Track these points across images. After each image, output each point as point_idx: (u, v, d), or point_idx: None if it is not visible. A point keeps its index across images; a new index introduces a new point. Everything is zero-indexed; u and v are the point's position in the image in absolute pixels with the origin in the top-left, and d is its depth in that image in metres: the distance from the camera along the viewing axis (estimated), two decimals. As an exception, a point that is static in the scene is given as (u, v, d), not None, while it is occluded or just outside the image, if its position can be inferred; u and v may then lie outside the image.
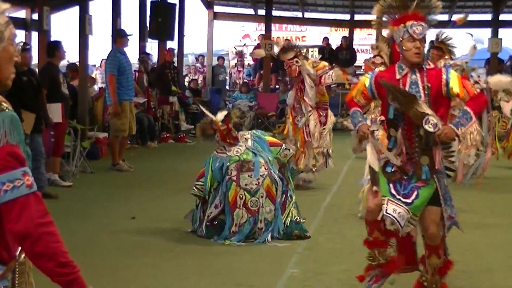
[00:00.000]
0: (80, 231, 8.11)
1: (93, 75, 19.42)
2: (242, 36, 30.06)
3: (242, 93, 21.66)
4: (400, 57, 5.49)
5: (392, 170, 5.44)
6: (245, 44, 27.22)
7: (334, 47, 23.45)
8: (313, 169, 10.77)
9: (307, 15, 25.70)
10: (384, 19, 5.63)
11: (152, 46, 21.75)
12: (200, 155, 13.85)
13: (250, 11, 24.56)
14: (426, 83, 5.41)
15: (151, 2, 18.55)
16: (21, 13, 15.35)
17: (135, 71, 16.16)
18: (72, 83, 13.54)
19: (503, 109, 11.72)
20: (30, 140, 9.50)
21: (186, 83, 22.00)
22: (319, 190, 10.84)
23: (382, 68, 8.57)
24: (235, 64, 25.45)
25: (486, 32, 22.42)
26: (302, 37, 28.98)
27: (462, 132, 5.59)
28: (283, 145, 8.25)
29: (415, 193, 5.39)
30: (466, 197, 9.75)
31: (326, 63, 10.99)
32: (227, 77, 24.79)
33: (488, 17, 23.20)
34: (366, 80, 5.63)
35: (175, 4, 19.61)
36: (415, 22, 5.40)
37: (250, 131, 8.27)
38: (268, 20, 22.45)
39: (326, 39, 23.82)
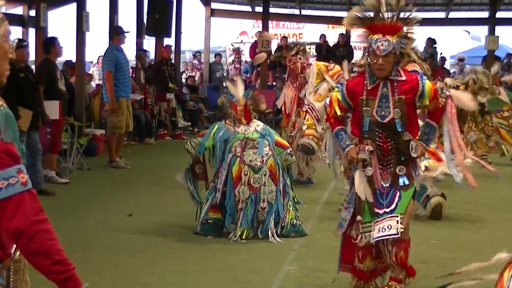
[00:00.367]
0: (77, 228, 8.10)
1: (90, 72, 19.39)
2: (239, 33, 30.05)
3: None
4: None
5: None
6: (242, 41, 27.19)
7: (331, 44, 23.42)
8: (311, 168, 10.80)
9: (304, 12, 25.68)
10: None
11: (149, 43, 21.74)
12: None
13: (247, 8, 24.55)
14: (398, 96, 5.33)
15: (148, -2, 18.54)
16: (18, 10, 15.30)
17: (132, 67, 16.14)
18: (69, 80, 13.53)
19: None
20: (27, 137, 9.50)
21: (183, 80, 21.98)
22: (317, 187, 10.83)
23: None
24: (232, 61, 25.43)
25: (483, 30, 22.44)
26: (299, 34, 28.96)
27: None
28: (289, 149, 8.15)
29: (397, 195, 5.39)
30: (463, 193, 9.76)
31: (339, 67, 10.60)
32: (224, 74, 24.77)
33: (485, 14, 23.20)
34: (337, 94, 5.55)
35: (172, 1, 19.58)
36: (381, 37, 5.28)
37: (263, 124, 8.16)
38: (265, 17, 22.44)
39: (323, 36, 23.80)
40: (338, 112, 5.54)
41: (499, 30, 22.25)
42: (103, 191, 10.58)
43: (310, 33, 28.84)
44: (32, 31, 14.49)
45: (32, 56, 11.91)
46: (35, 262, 2.69)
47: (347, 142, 5.54)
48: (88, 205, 9.49)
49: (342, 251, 5.72)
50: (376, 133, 5.39)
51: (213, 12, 23.45)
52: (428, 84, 5.43)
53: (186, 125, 18.75)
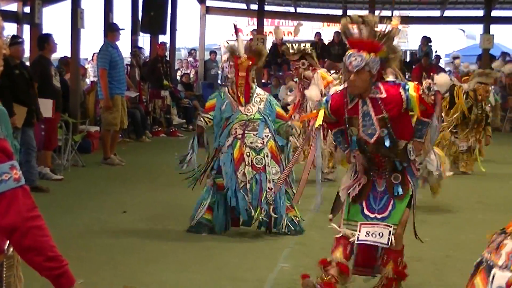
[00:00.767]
0: (71, 224, 8.08)
1: (85, 67, 19.35)
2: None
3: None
4: None
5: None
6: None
7: (326, 42, 23.43)
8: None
9: (300, 10, 25.70)
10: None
11: (144, 40, 21.69)
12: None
13: (243, 6, 24.53)
14: (384, 114, 5.16)
15: (144, -4, 18.53)
16: (13, 6, 15.27)
17: (127, 65, 16.12)
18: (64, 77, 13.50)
19: None
20: (22, 134, 9.49)
21: (178, 77, 21.98)
22: (312, 184, 10.80)
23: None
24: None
25: (478, 28, 22.45)
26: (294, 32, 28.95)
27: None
28: (289, 121, 8.08)
29: (391, 202, 5.29)
30: (458, 192, 9.78)
31: (331, 79, 10.59)
32: (219, 72, 24.74)
33: (480, 13, 23.24)
34: (324, 110, 5.38)
35: (167, -2, 19.57)
36: (354, 53, 5.10)
37: (267, 94, 8.06)
38: (261, 14, 22.43)
39: (318, 34, 23.81)
40: (330, 130, 5.49)
41: (494, 28, 22.31)
42: (97, 188, 10.56)
43: (305, 31, 28.82)
44: (26, 28, 14.47)
45: (26, 53, 11.88)
46: (28, 258, 2.69)
47: (345, 146, 5.49)
48: (83, 202, 9.48)
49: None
50: (365, 147, 5.30)
51: (208, 10, 23.45)
52: (412, 93, 5.19)
53: (180, 122, 18.73)
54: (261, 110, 7.77)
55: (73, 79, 14.08)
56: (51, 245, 2.70)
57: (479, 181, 11.30)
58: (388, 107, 5.17)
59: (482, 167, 11.41)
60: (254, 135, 7.66)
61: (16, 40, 10.07)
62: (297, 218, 7.82)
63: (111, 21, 15.71)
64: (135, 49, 17.96)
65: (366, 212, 5.33)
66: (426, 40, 22.76)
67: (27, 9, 14.39)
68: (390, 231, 5.22)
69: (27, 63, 11.20)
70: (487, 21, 22.13)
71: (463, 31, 33.07)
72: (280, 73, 21.60)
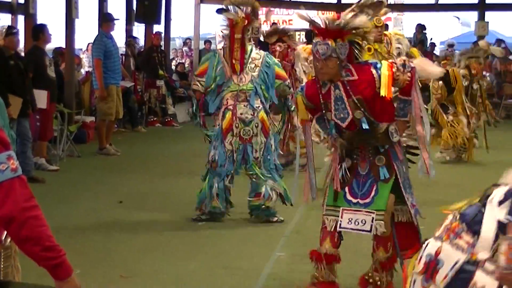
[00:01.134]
0: (67, 215, 8.09)
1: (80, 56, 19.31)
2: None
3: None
4: None
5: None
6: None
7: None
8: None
9: (294, -2, 25.61)
10: None
11: (138, 30, 21.66)
12: (187, 138, 13.87)
13: (237, -5, 24.42)
14: (356, 97, 5.11)
15: (138, -15, 18.47)
16: (7, -3, 15.23)
17: (122, 55, 16.08)
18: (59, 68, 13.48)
19: None
20: (17, 124, 9.48)
21: (173, 67, 21.94)
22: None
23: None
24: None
25: (473, 16, 22.43)
26: (289, 20, 28.86)
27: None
28: (286, 81, 7.96)
29: (374, 188, 5.21)
30: (454, 180, 9.79)
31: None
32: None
33: (474, 0, 23.20)
34: (301, 98, 5.37)
35: (161, -12, 19.51)
36: (320, 40, 5.11)
37: (264, 53, 7.92)
38: (255, 3, 22.35)
39: (313, 22, 23.76)
40: (306, 117, 5.42)
41: (489, 15, 22.26)
42: (93, 178, 10.56)
43: (300, 19, 28.76)
44: (21, 18, 14.42)
45: (21, 43, 11.86)
46: (26, 248, 2.69)
47: (328, 132, 5.41)
48: (78, 192, 9.49)
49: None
50: (344, 132, 5.27)
51: (203, -1, 23.36)
52: (384, 71, 5.11)
53: (176, 112, 18.71)
54: (254, 79, 7.69)
55: (68, 69, 14.05)
56: (49, 235, 2.70)
57: (483, 171, 11.23)
58: (360, 88, 5.12)
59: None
60: (244, 106, 7.65)
61: (10, 31, 10.02)
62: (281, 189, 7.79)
63: (106, 11, 15.67)
64: (130, 39, 17.92)
65: (348, 197, 5.26)
66: (420, 28, 22.73)
67: (21, 0, 14.34)
68: (372, 217, 5.16)
69: (22, 54, 11.19)
70: (481, 8, 22.10)
71: (458, 18, 33.06)
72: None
